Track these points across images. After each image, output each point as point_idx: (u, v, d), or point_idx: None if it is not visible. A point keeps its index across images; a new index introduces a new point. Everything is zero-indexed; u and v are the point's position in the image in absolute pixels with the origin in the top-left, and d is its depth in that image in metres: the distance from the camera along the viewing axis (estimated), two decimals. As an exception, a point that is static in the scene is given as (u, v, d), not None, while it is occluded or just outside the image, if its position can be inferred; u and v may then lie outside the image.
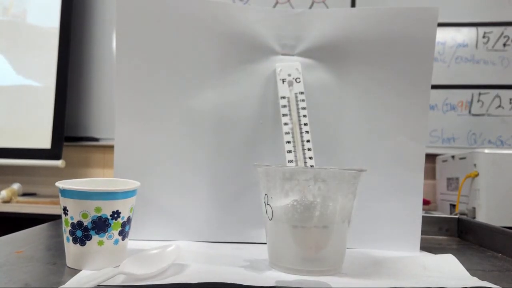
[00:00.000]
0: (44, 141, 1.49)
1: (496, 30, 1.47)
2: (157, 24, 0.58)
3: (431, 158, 1.41)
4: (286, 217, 0.44)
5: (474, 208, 1.07)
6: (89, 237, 0.43)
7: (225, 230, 0.59)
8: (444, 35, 1.50)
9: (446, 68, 1.49)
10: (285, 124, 0.56)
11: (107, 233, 0.43)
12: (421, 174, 0.58)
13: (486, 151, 1.07)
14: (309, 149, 0.55)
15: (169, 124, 0.58)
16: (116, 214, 0.44)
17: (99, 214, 0.43)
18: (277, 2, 1.57)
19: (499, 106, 1.47)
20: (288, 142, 0.55)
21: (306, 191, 0.44)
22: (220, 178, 0.59)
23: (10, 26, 1.59)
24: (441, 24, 1.48)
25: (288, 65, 0.58)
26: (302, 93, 0.57)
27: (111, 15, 1.62)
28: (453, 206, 1.22)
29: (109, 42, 1.62)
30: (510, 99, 1.46)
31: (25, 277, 0.40)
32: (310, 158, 0.54)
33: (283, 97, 0.57)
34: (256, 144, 0.59)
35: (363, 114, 0.59)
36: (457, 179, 1.21)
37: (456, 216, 0.73)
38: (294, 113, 0.56)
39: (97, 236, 0.43)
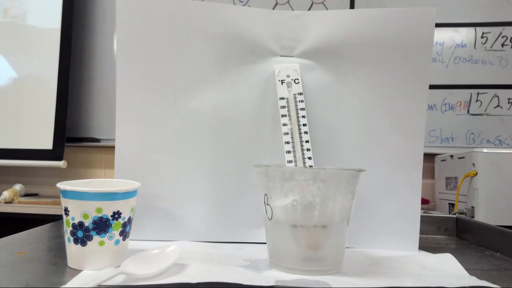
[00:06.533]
0: (46, 142, 1.50)
1: (495, 30, 1.48)
2: (157, 26, 0.58)
3: (430, 157, 1.41)
4: (286, 217, 0.45)
5: (472, 207, 1.08)
6: (90, 238, 0.43)
7: (225, 230, 0.59)
8: (443, 36, 1.50)
9: (445, 68, 1.49)
10: (284, 124, 0.56)
11: (108, 234, 0.44)
12: (420, 174, 0.58)
13: (485, 150, 1.07)
14: (308, 149, 0.55)
15: (169, 125, 0.59)
16: (117, 215, 0.44)
17: (100, 215, 0.43)
18: (276, 3, 1.57)
19: (498, 105, 1.47)
20: (287, 142, 0.55)
21: (305, 191, 0.44)
22: (220, 179, 0.59)
23: (10, 28, 1.60)
24: (439, 25, 1.49)
25: (287, 66, 0.59)
26: (301, 94, 0.58)
27: (112, 17, 1.62)
28: (452, 205, 1.23)
29: (110, 44, 1.63)
30: (509, 99, 1.47)
31: (27, 278, 0.40)
32: (309, 158, 0.55)
33: (282, 98, 0.57)
34: (256, 145, 0.59)
35: (361, 114, 0.59)
36: (455, 178, 1.21)
37: (455, 216, 0.73)
38: (293, 114, 0.57)
39: (98, 236, 0.43)
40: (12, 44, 1.59)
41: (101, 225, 0.43)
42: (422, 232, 0.59)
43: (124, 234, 0.45)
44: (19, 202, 1.40)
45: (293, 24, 0.59)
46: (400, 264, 0.50)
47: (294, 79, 0.58)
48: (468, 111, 1.48)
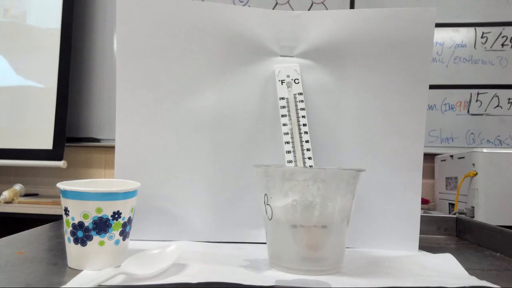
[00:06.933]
0: (46, 142, 1.50)
1: (495, 30, 1.48)
2: (157, 26, 0.58)
3: (430, 157, 1.41)
4: (286, 217, 0.45)
5: (472, 208, 1.08)
6: (90, 238, 0.43)
7: (225, 230, 0.59)
8: (443, 36, 1.50)
9: (445, 68, 1.49)
10: (284, 124, 0.56)
11: (108, 234, 0.44)
12: (420, 174, 0.58)
13: (485, 150, 1.07)
14: (308, 149, 0.55)
15: (169, 125, 0.59)
16: (116, 215, 0.44)
17: (100, 215, 0.43)
18: (276, 3, 1.57)
19: (498, 105, 1.47)
20: (287, 142, 0.55)
21: (305, 191, 0.44)
22: (220, 179, 0.59)
23: (10, 28, 1.60)
24: (439, 25, 1.49)
25: (287, 66, 0.59)
26: (301, 94, 0.58)
27: (112, 17, 1.62)
28: (452, 205, 1.23)
29: (110, 43, 1.63)
30: (509, 99, 1.47)
31: (27, 278, 0.40)
32: (309, 158, 0.55)
33: (282, 98, 0.57)
34: (256, 145, 0.60)
35: (361, 115, 0.59)
36: (455, 178, 1.21)
37: (455, 216, 0.73)
38: (293, 114, 0.57)
39: (98, 236, 0.43)
40: (12, 44, 1.59)
41: (101, 225, 0.43)
42: (422, 232, 0.59)
43: (124, 234, 0.45)
44: (19, 202, 1.40)
45: (293, 24, 0.59)
46: (400, 264, 0.50)
47: (294, 79, 0.58)
48: (468, 111, 1.48)
